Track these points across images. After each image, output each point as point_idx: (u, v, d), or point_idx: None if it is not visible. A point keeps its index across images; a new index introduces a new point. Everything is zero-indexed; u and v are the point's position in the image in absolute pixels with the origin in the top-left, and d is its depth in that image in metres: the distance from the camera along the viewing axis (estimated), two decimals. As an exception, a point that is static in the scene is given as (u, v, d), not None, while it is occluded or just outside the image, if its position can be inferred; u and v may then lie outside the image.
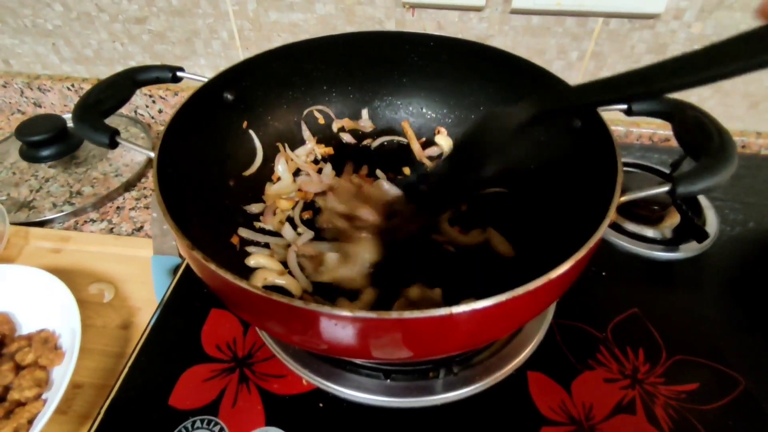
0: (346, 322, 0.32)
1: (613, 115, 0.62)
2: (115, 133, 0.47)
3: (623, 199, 0.42)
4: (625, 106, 0.53)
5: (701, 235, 0.67)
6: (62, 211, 0.82)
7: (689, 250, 0.68)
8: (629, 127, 0.91)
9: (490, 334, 0.39)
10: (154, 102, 1.03)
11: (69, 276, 0.70)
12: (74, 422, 0.56)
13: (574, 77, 0.87)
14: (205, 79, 0.57)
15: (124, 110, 1.09)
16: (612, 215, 0.39)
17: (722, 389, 0.54)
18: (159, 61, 1.00)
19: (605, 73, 0.84)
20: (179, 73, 0.58)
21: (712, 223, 0.73)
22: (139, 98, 1.03)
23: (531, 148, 0.62)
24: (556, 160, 0.60)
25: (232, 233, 0.61)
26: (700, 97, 0.87)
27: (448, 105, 0.74)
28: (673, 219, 0.71)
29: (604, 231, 0.38)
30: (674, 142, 0.97)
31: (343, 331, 0.33)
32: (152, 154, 0.45)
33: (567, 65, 0.86)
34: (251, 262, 0.59)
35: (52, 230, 0.80)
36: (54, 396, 0.53)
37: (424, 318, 0.31)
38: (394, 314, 0.31)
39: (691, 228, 0.68)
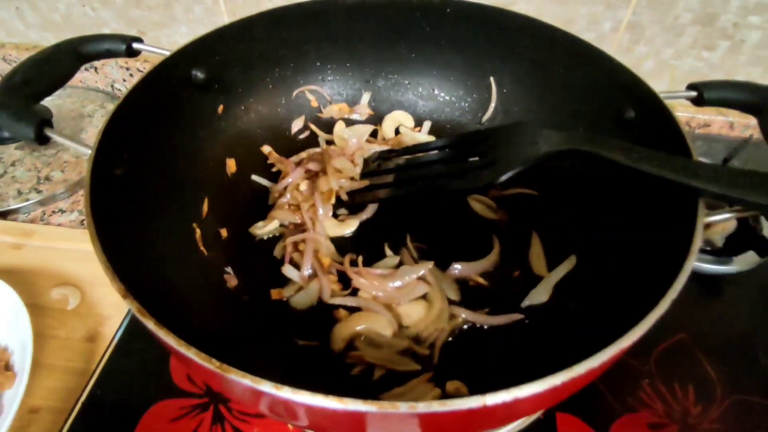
0: (335, 413, 0.23)
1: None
2: (43, 122, 0.36)
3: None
4: (694, 94, 0.42)
5: (763, 247, 0.57)
6: (28, 200, 0.74)
7: (745, 262, 0.58)
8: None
9: (524, 413, 0.30)
10: (131, 76, 0.92)
11: (29, 277, 0.63)
12: (28, 454, 0.48)
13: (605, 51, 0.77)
14: (168, 53, 0.46)
15: (100, 84, 0.99)
16: (693, 260, 0.29)
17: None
18: (134, 30, 0.89)
19: (641, 47, 0.74)
20: (136, 45, 0.47)
21: (773, 229, 0.62)
22: (116, 71, 0.92)
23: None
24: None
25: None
26: None
27: (465, 86, 0.64)
28: (725, 224, 0.61)
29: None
30: (715, 128, 0.86)
31: (335, 419, 0.24)
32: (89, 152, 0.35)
33: (598, 37, 0.74)
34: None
35: (14, 223, 0.71)
36: (1, 424, 0.45)
37: (447, 412, 0.22)
38: (403, 406, 0.22)
39: (751, 237, 0.58)
